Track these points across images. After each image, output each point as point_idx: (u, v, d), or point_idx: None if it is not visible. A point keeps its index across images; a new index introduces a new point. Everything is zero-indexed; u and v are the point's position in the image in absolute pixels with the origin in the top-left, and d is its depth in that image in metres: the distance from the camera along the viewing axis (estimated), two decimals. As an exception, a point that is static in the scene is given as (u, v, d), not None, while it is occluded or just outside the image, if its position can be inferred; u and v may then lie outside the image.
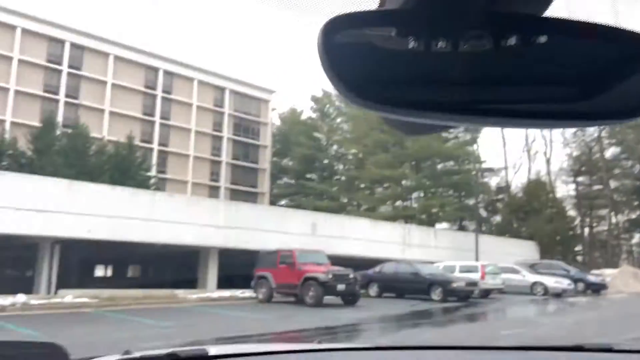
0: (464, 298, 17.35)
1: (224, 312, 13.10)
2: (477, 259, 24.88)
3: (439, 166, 43.77)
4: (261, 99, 50.03)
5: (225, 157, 47.04)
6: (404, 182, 42.59)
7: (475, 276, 18.61)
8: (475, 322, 13.31)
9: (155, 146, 42.11)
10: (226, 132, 47.21)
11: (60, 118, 33.55)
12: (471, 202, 40.43)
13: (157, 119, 42.69)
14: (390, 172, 39.24)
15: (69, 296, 14.48)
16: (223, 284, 20.37)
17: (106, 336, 8.51)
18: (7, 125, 32.56)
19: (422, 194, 43.40)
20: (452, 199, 42.64)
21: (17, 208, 15.46)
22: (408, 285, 17.87)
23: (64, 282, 17.67)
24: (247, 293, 17.28)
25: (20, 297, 13.50)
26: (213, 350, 1.10)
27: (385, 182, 42.20)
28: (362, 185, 45.46)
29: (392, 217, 38.06)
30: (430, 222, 38.83)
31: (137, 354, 1.04)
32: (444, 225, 42.01)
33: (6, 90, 35.58)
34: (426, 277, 17.68)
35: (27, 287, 16.48)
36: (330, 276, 14.56)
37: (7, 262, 27.80)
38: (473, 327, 12.16)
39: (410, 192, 43.33)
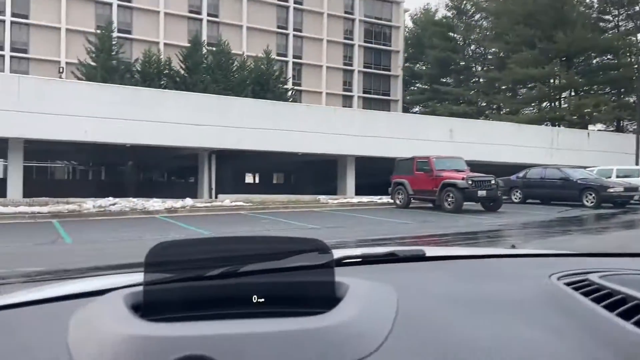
0: (622, 204, 15.97)
1: (364, 216, 13.70)
2: (637, 163, 22.40)
3: (594, 61, 38.86)
4: (393, 0, 47.74)
5: (357, 65, 46.64)
6: (552, 80, 38.78)
7: (635, 181, 16.90)
8: (636, 229, 12.28)
9: (290, 59, 43.11)
10: (357, 40, 46.40)
11: (204, 37, 35.65)
12: (631, 99, 35.74)
13: (290, 31, 43.25)
14: (537, 71, 35.80)
15: (227, 200, 16.18)
16: (360, 190, 21.10)
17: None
18: (161, 47, 35.49)
19: (573, 93, 39.31)
20: (608, 97, 38.07)
21: (177, 123, 17.24)
22: (556, 191, 16.88)
23: (221, 188, 19.72)
24: (385, 199, 17.74)
25: (188, 201, 15.42)
26: (429, 252, 1.11)
27: (530, 81, 38.77)
28: (503, 87, 42.36)
29: (536, 120, 35.31)
30: (581, 123, 35.36)
31: (357, 252, 1.09)
32: (599, 126, 38.03)
33: (157, 13, 38.43)
34: (577, 182, 16.48)
35: (192, 192, 18.72)
36: (469, 182, 14.27)
37: (173, 171, 31.60)
38: (632, 234, 11.26)
39: (559, 91, 39.46)
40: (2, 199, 14.56)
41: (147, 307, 0.63)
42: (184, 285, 0.66)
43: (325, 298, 0.66)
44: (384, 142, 20.71)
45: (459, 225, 11.67)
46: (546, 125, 33.43)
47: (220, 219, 13.01)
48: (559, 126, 32.51)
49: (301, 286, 0.67)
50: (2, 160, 26.18)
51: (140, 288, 0.65)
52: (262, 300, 0.65)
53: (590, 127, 36.11)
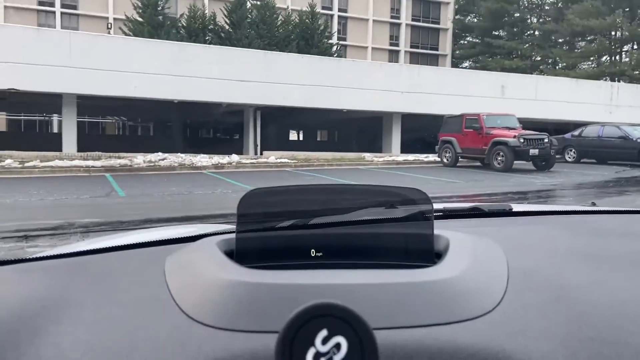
0: (684, 165, 15.11)
1: (410, 174, 13.50)
2: None
3: (663, 11, 36.03)
4: (443, -52, 45.56)
5: (404, 18, 45.10)
6: (613, 33, 36.36)
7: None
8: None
9: (335, 12, 42.08)
10: (405, -9, 44.70)
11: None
12: None
13: (335, -17, 42.06)
14: (597, 22, 33.58)
15: (272, 157, 16.29)
16: (406, 148, 20.78)
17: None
18: (206, 2, 35.32)
19: (635, 46, 36.81)
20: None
21: (222, 79, 17.27)
22: (613, 151, 16.09)
23: (266, 145, 19.85)
24: (431, 157, 17.41)
25: (234, 157, 15.62)
26: (516, 207, 1.07)
27: (590, 34, 36.47)
28: (560, 40, 40.08)
29: (595, 75, 33.40)
30: (645, 79, 33.23)
31: (439, 206, 1.04)
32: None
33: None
34: (637, 141, 15.63)
35: (238, 149, 18.93)
36: (521, 140, 13.76)
37: (218, 127, 32.04)
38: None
39: (620, 44, 37.03)
40: (58, 153, 15.17)
41: (240, 254, 0.62)
42: (277, 234, 0.64)
43: (425, 251, 0.63)
44: (431, 98, 20.13)
45: (509, 184, 11.33)
46: (605, 80, 31.59)
47: (266, 174, 13.13)
48: (619, 82, 30.67)
49: (400, 238, 0.64)
50: (57, 115, 27.22)
51: (232, 235, 0.64)
52: (359, 252, 0.63)
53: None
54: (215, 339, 0.46)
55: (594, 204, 1.54)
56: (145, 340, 0.48)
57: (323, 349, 0.31)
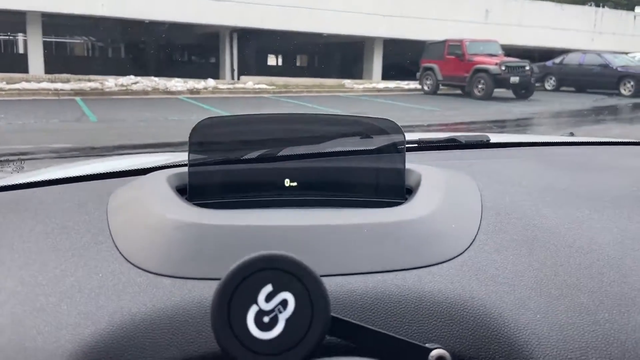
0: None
1: (390, 102, 13.36)
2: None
3: None
4: None
5: None
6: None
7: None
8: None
9: None
10: None
11: None
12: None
13: None
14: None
15: (250, 82, 15.86)
16: (387, 75, 20.43)
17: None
18: None
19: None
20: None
21: (196, -2, 16.41)
22: (593, 79, 16.08)
23: (243, 69, 19.27)
24: (412, 85, 17.19)
25: (210, 82, 15.16)
26: (494, 138, 1.01)
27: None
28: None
29: (581, 0, 32.75)
30: (629, 5, 32.74)
31: (413, 136, 0.98)
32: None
33: None
34: (617, 70, 15.62)
35: (214, 73, 18.35)
36: (502, 68, 13.62)
37: (193, 50, 30.92)
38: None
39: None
40: (24, 75, 14.50)
41: (193, 190, 0.56)
42: (234, 167, 0.59)
43: (396, 187, 0.59)
44: (413, 23, 19.57)
45: (489, 112, 11.33)
46: (590, 5, 31.06)
47: (244, 101, 12.84)
48: (604, 7, 30.20)
49: (369, 172, 0.60)
50: (22, 34, 25.77)
51: (184, 169, 0.58)
52: (323, 187, 0.58)
53: (638, 8, 33.48)
54: (155, 287, 0.41)
55: (572, 134, 1.51)
56: (78, 289, 0.42)
57: (267, 306, 0.28)
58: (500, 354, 0.39)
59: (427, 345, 0.34)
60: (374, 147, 0.60)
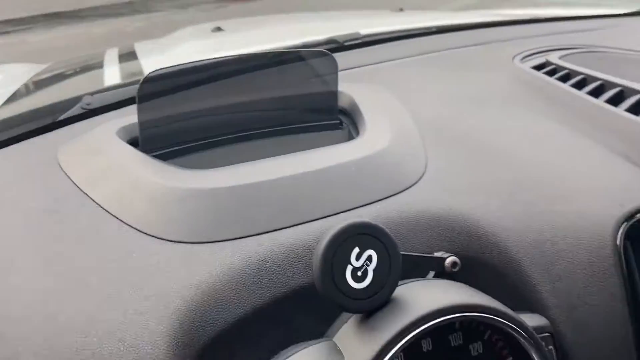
0: None
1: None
2: None
3: None
4: None
5: None
6: None
7: None
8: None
9: None
10: None
11: None
12: None
13: None
14: None
15: None
16: None
17: None
18: None
19: None
20: None
21: None
22: None
23: None
24: None
25: None
26: (363, 30, 0.99)
27: None
28: None
29: None
30: None
31: (297, 41, 0.97)
32: None
33: None
34: None
35: None
36: None
37: None
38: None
39: None
40: None
41: (145, 141, 0.57)
42: (178, 115, 0.60)
43: (328, 109, 0.64)
44: None
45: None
46: None
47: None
48: None
49: (302, 99, 0.64)
50: None
51: (129, 121, 0.60)
52: (267, 121, 0.62)
53: None
54: (196, 255, 0.43)
55: (402, 10, 1.41)
56: (123, 276, 0.43)
57: (357, 264, 0.35)
58: (485, 250, 0.46)
59: (439, 255, 0.42)
60: (309, 76, 0.64)
